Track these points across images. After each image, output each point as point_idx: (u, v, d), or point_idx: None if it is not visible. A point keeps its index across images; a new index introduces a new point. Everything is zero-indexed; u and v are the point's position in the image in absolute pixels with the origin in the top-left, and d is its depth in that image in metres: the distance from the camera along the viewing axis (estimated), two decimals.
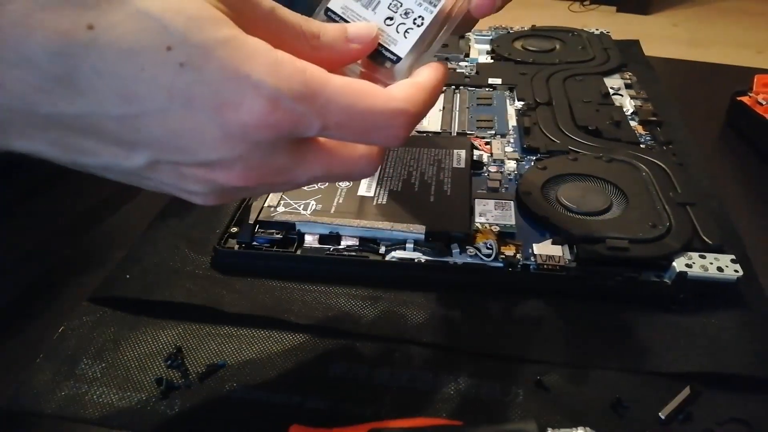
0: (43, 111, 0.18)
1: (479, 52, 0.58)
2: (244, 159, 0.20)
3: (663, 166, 0.38)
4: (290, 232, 0.33)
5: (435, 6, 0.23)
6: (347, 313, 0.30)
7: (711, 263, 0.31)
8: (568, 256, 0.32)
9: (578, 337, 0.29)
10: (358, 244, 0.33)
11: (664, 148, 0.42)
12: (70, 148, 0.19)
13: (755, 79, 0.49)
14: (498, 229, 0.34)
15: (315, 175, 0.22)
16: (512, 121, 0.46)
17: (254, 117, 0.18)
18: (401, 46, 0.23)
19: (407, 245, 0.33)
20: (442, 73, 0.23)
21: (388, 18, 0.24)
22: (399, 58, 0.23)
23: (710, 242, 0.32)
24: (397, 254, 0.33)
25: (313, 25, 0.22)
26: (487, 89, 0.51)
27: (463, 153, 0.39)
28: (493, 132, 0.44)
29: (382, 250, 0.33)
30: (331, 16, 0.24)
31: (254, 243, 0.33)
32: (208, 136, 0.19)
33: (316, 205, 0.34)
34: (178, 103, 0.18)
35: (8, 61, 0.17)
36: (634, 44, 0.61)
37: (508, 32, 0.62)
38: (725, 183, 0.42)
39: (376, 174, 0.37)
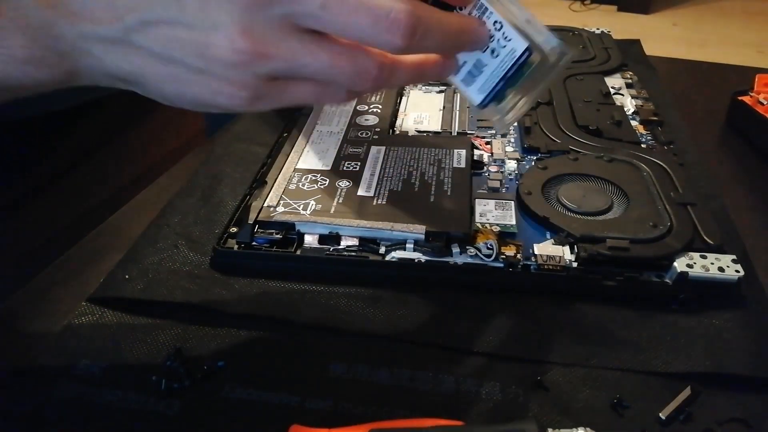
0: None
1: None
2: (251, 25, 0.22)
3: (664, 165, 0.38)
4: (290, 232, 0.33)
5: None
6: (347, 313, 0.30)
7: (712, 263, 0.31)
8: (568, 256, 0.32)
9: (578, 337, 0.29)
10: (358, 244, 0.33)
11: (665, 147, 0.42)
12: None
13: (756, 79, 0.49)
14: (498, 229, 0.34)
15: (320, 60, 0.23)
16: None
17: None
18: None
19: (407, 245, 0.32)
20: (468, 24, 0.25)
21: None
22: None
23: (711, 242, 0.32)
24: (397, 254, 0.32)
25: None
26: None
27: (463, 153, 0.39)
28: (494, 131, 0.44)
29: (382, 250, 0.33)
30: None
31: (254, 243, 0.33)
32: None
33: (315, 205, 0.34)
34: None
35: None
36: (635, 43, 0.61)
37: None
38: (725, 183, 0.42)
39: (376, 174, 0.37)
